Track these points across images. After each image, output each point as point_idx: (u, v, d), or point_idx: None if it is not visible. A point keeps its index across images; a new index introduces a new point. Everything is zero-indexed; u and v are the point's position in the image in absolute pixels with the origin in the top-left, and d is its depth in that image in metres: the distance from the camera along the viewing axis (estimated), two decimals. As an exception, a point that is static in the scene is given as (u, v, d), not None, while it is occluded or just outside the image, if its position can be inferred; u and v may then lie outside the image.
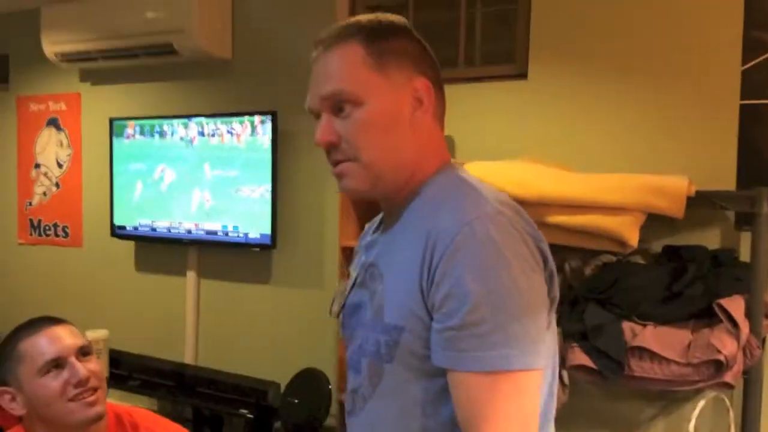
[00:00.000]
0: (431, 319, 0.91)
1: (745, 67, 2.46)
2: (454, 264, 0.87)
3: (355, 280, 1.11)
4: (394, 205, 1.05)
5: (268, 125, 3.30)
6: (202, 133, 3.50)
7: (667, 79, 2.58)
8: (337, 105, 1.00)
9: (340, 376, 3.04)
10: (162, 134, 3.63)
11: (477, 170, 2.46)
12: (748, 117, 2.46)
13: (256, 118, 3.34)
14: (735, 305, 2.11)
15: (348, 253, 3.04)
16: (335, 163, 1.03)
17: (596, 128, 2.70)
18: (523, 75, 2.89)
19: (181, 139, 3.56)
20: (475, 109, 2.96)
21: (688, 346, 2.10)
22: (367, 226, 1.26)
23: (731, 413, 2.34)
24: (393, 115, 1.00)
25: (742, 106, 2.46)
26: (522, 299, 0.87)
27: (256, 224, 3.36)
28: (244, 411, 3.11)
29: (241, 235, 3.40)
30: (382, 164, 1.00)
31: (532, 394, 0.87)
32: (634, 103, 2.64)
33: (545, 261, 0.95)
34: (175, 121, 3.58)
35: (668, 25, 2.58)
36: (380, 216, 1.17)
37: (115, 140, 3.77)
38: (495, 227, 0.88)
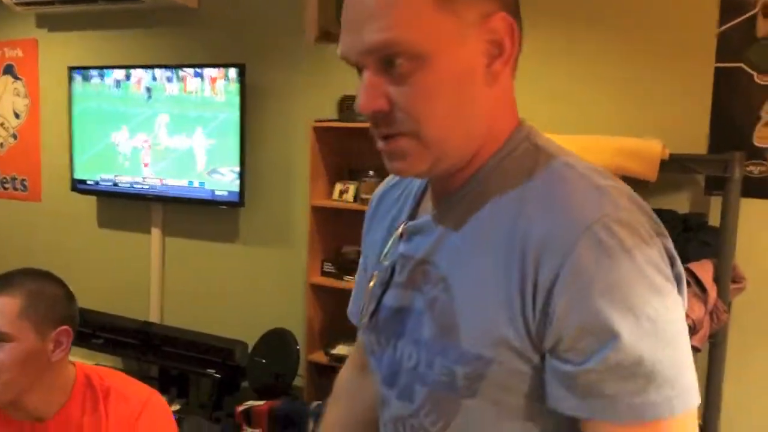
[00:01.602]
0: (538, 352, 0.70)
1: (722, 29, 2.43)
2: (582, 288, 0.66)
3: (390, 275, 0.85)
4: (454, 183, 0.79)
5: (236, 78, 3.19)
6: (165, 85, 3.37)
7: (642, 40, 2.54)
8: (388, 58, 0.71)
9: (309, 337, 3.02)
10: (124, 85, 3.48)
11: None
12: (722, 80, 2.44)
13: (223, 71, 3.22)
14: (703, 269, 2.12)
15: (319, 212, 2.99)
16: (384, 137, 0.75)
17: (571, 91, 2.66)
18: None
19: (145, 90, 3.43)
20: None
21: (656, 309, 2.12)
22: (380, 188, 0.98)
23: (694, 374, 2.38)
24: (466, 72, 0.72)
25: (717, 69, 2.44)
26: (674, 325, 0.68)
27: (224, 181, 3.28)
28: (210, 371, 3.08)
29: (209, 192, 3.32)
30: (451, 141, 0.74)
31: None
32: (609, 65, 2.60)
33: (672, 262, 0.72)
34: (138, 71, 3.44)
35: (648, -16, 2.53)
36: (406, 181, 0.91)
37: (74, 90, 3.62)
38: (625, 233, 0.67)
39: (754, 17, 2.38)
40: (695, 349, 2.07)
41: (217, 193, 3.29)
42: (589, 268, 0.66)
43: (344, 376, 1.09)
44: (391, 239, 0.86)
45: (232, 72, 3.19)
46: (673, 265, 0.71)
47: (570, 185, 0.71)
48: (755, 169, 2.40)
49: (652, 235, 0.69)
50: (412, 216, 0.86)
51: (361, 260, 0.99)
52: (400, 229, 0.85)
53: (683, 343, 0.68)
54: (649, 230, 0.69)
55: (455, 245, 0.77)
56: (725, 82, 2.43)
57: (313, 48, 3.20)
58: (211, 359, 3.13)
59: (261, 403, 2.82)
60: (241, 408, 2.81)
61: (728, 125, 2.43)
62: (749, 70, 2.40)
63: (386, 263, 0.85)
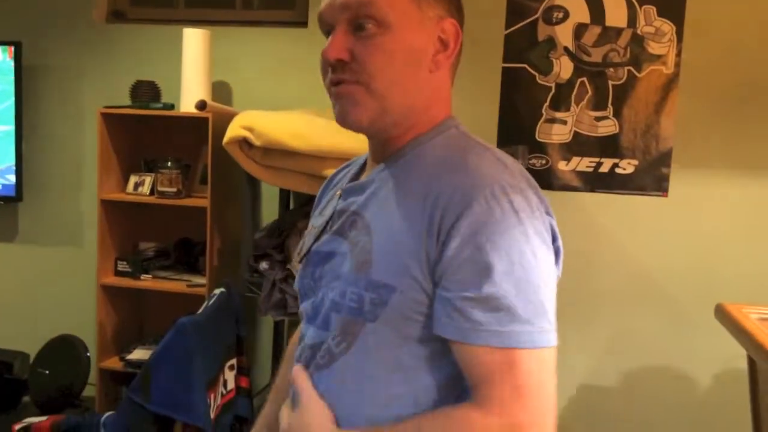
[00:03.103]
0: (433, 284, 0.82)
1: (508, 31, 2.60)
2: (474, 231, 0.79)
3: (325, 226, 0.97)
4: (389, 150, 0.93)
5: (10, 58, 2.83)
6: None
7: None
8: (359, 20, 0.86)
9: (101, 342, 2.77)
10: None
11: (254, 120, 2.34)
12: (508, 79, 2.61)
13: (-6, 49, 2.84)
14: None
15: (111, 207, 2.75)
16: (337, 82, 0.88)
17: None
18: (303, 23, 2.78)
19: None
20: (252, 55, 2.80)
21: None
22: (335, 171, 1.13)
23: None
24: (417, 51, 0.89)
25: (504, 69, 2.61)
26: (542, 276, 0.81)
27: (-4, 173, 2.90)
28: (-19, 388, 2.71)
29: (-22, 185, 2.91)
30: (393, 99, 0.88)
31: (551, 372, 0.81)
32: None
33: (554, 237, 0.88)
34: None
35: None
36: (359, 159, 1.06)
37: None
38: (516, 197, 0.81)
39: (535, 22, 2.57)
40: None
41: (-11, 186, 2.90)
42: (482, 216, 0.80)
43: (292, 340, 1.16)
44: (332, 199, 1.01)
45: (6, 50, 2.83)
46: (554, 239, 0.88)
47: (480, 159, 0.86)
48: (537, 162, 2.60)
49: (542, 211, 0.85)
50: (353, 181, 1.00)
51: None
52: (339, 191, 0.99)
53: (549, 296, 0.82)
54: (539, 206, 0.85)
55: (382, 200, 0.90)
56: (511, 82, 2.61)
57: (103, 28, 2.94)
58: (-18, 375, 2.76)
59: (43, 418, 2.52)
60: (18, 426, 2.50)
61: (515, 121, 2.61)
62: (532, 71, 2.59)
63: (324, 218, 0.99)
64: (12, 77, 2.83)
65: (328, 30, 0.90)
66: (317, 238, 0.98)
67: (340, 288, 0.90)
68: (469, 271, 0.79)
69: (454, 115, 0.97)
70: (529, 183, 0.86)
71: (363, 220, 0.91)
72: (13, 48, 2.83)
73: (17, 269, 3.07)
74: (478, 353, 0.79)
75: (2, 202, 2.96)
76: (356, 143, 2.29)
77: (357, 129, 0.91)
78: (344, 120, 0.90)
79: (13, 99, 2.84)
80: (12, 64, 2.83)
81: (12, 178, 2.88)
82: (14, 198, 2.91)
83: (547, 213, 0.87)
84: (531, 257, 0.80)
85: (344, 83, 0.88)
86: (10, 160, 2.87)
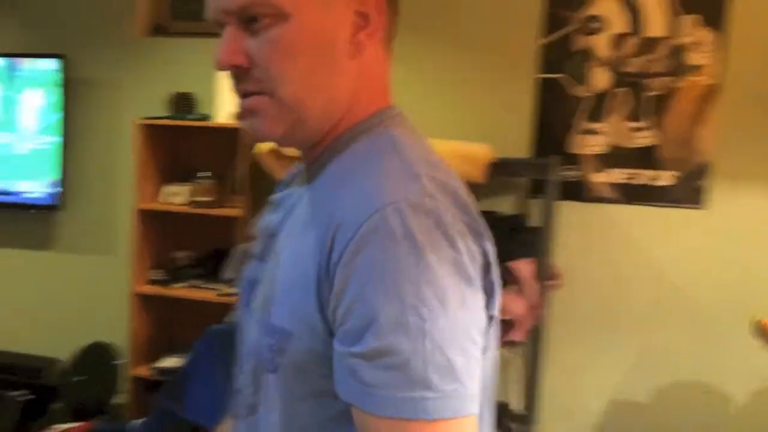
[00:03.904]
0: (330, 333, 0.67)
1: (543, 41, 2.58)
2: (356, 267, 0.63)
3: (258, 247, 0.83)
4: (314, 158, 0.77)
5: (56, 70, 2.90)
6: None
7: (471, 49, 2.63)
8: (250, 13, 0.70)
9: (134, 350, 2.80)
10: None
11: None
12: (543, 90, 2.58)
13: (42, 62, 2.93)
14: (524, 268, 2.21)
15: (146, 216, 2.79)
16: (243, 94, 0.74)
17: (404, 97, 2.69)
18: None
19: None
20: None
21: (482, 307, 2.17)
22: (290, 172, 0.94)
23: (515, 369, 2.48)
24: (327, 35, 0.71)
25: (538, 80, 2.59)
26: (448, 321, 0.62)
27: (37, 182, 2.97)
28: (13, 393, 2.74)
29: (18, 194, 2.99)
30: (306, 103, 0.72)
31: None
32: (440, 72, 2.67)
33: (486, 265, 0.68)
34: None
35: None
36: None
37: None
38: (416, 218, 0.63)
39: (572, 32, 2.55)
40: (515, 344, 2.15)
41: (30, 195, 2.97)
42: (366, 246, 0.63)
43: None
44: (268, 212, 0.85)
45: (52, 62, 2.91)
46: (487, 272, 0.68)
47: (385, 170, 0.68)
48: (570, 174, 2.56)
49: (464, 234, 0.66)
50: (284, 189, 0.85)
51: None
52: (271, 202, 0.84)
53: (457, 349, 0.63)
54: (462, 228, 0.66)
55: (294, 220, 0.76)
56: (546, 92, 2.58)
57: (143, 42, 3.00)
58: (17, 380, 2.80)
59: (74, 425, 2.55)
60: (49, 432, 2.52)
61: (548, 132, 2.58)
62: (567, 81, 2.56)
63: (256, 237, 0.85)
64: (58, 90, 2.91)
65: (219, 26, 0.75)
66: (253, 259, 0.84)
67: (248, 328, 0.78)
68: (354, 320, 0.63)
69: (393, 108, 0.80)
70: (455, 198, 0.68)
71: (277, 245, 0.77)
72: (59, 60, 2.91)
73: (54, 276, 3.13)
74: (366, 421, 0.64)
75: (43, 211, 3.02)
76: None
77: (274, 142, 0.76)
78: (256, 137, 0.75)
79: (59, 110, 2.91)
80: (58, 76, 2.91)
81: (52, 187, 2.94)
82: (54, 207, 2.97)
83: (478, 238, 0.68)
84: (433, 299, 0.61)
85: (250, 95, 0.73)
86: (56, 171, 2.94)
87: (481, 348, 0.67)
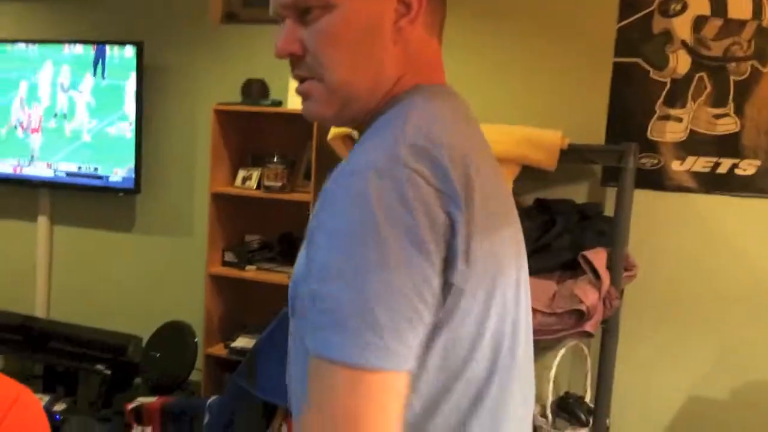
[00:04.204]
0: None
1: (621, 24, 2.50)
2: (319, 220, 0.70)
3: None
4: (361, 133, 0.85)
5: (133, 57, 3.01)
6: (58, 62, 3.14)
7: (544, 33, 2.58)
8: (303, 5, 0.79)
9: (208, 329, 2.90)
10: (10, 60, 3.22)
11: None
12: (620, 74, 2.51)
13: (120, 49, 3.03)
14: (598, 257, 2.17)
15: (220, 200, 2.87)
16: (300, 80, 0.83)
17: (474, 81, 2.67)
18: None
19: (35, 68, 3.18)
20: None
21: (553, 296, 2.15)
22: None
23: (589, 361, 2.44)
24: (370, 23, 0.78)
25: (615, 64, 2.51)
26: (383, 277, 0.65)
27: (118, 166, 3.09)
28: (100, 367, 2.89)
29: (102, 177, 3.12)
30: (352, 87, 0.79)
31: (374, 403, 0.66)
32: (511, 57, 2.63)
33: (453, 234, 0.69)
34: (29, 47, 3.19)
35: (551, -22, 2.57)
36: None
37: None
38: (376, 182, 0.67)
39: (650, 14, 2.46)
40: (588, 335, 2.11)
41: (112, 179, 3.10)
42: (326, 206, 0.70)
43: None
44: None
45: (130, 49, 3.01)
46: (453, 235, 0.69)
47: (378, 139, 0.74)
48: (648, 162, 2.49)
49: (429, 199, 0.68)
50: None
51: None
52: None
53: (386, 306, 0.65)
54: (429, 193, 0.68)
55: None
56: (623, 77, 2.51)
57: (216, 30, 3.07)
58: (101, 355, 2.94)
59: (153, 399, 2.66)
60: (131, 406, 2.65)
61: (625, 118, 2.51)
62: (646, 65, 2.48)
63: None
64: (135, 76, 3.01)
65: (281, 20, 0.83)
66: None
67: None
68: (312, 264, 0.70)
69: (436, 83, 0.84)
70: (433, 164, 0.69)
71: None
72: (135, 47, 3.01)
73: (134, 258, 3.26)
74: (307, 355, 0.70)
75: (122, 194, 3.15)
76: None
77: (325, 123, 0.86)
78: (309, 118, 0.84)
79: (135, 96, 3.02)
80: (136, 63, 3.01)
81: (132, 171, 3.06)
82: (133, 190, 3.10)
83: (447, 203, 0.69)
84: (372, 255, 0.65)
85: (305, 81, 0.82)
86: (131, 156, 3.05)
87: (425, 314, 0.68)
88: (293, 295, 0.79)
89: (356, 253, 0.66)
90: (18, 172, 3.26)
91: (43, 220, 3.38)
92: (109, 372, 2.89)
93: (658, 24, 2.46)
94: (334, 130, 2.42)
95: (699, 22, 2.42)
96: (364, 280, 0.65)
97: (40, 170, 3.22)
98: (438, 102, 0.80)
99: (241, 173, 2.90)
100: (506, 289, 0.78)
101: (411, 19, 0.79)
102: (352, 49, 0.78)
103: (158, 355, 2.90)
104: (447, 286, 0.70)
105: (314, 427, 0.67)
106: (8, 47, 3.21)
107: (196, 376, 2.92)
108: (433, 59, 0.84)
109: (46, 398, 2.89)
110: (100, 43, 3.07)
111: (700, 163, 2.44)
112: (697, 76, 2.42)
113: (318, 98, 0.81)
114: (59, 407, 2.87)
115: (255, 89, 2.83)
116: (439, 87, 0.83)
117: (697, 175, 2.45)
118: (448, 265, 0.69)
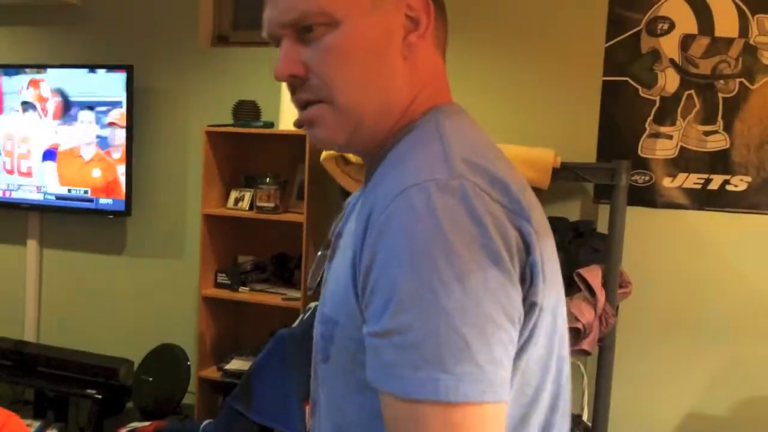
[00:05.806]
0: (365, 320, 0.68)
1: (609, 44, 2.53)
2: (380, 247, 0.63)
3: (329, 251, 0.87)
4: (373, 160, 0.78)
5: (122, 80, 3.01)
6: (45, 86, 3.13)
7: (535, 53, 2.60)
8: (304, 23, 0.73)
9: (201, 352, 2.87)
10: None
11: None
12: (609, 93, 2.53)
13: (109, 73, 3.03)
14: (593, 275, 2.18)
15: (212, 221, 2.86)
16: (302, 105, 0.75)
17: (467, 101, 2.68)
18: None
19: (23, 90, 3.17)
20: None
21: (549, 314, 2.15)
22: None
23: (585, 379, 2.44)
24: (378, 39, 0.73)
25: (604, 83, 2.54)
26: (466, 301, 0.60)
27: (108, 189, 3.08)
28: (91, 391, 2.85)
29: (92, 200, 3.10)
30: (364, 108, 0.73)
31: None
32: (503, 77, 2.65)
33: (528, 251, 0.65)
34: (18, 71, 3.18)
35: (538, 2, 2.60)
36: None
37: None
38: (440, 197, 0.62)
39: (638, 34, 2.49)
40: (585, 353, 2.11)
41: (102, 202, 3.08)
42: (390, 227, 0.63)
43: None
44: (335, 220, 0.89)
45: (119, 73, 3.01)
46: (529, 252, 0.65)
47: (422, 156, 0.68)
48: (640, 179, 2.50)
49: (497, 214, 0.63)
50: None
51: None
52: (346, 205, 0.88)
53: (476, 331, 0.60)
54: (495, 208, 0.64)
55: (352, 218, 0.79)
56: (612, 96, 2.53)
57: (207, 52, 3.08)
58: (93, 380, 2.90)
59: (146, 424, 2.63)
60: (123, 430, 2.61)
61: (615, 136, 2.53)
62: (635, 84, 2.50)
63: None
64: (125, 100, 3.01)
65: (276, 42, 0.77)
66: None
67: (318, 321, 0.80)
68: (376, 299, 0.63)
69: (449, 104, 0.80)
70: (492, 179, 0.66)
71: (338, 242, 0.81)
72: (125, 71, 3.01)
73: (125, 280, 3.24)
74: (386, 402, 0.63)
75: (113, 216, 3.13)
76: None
77: (338, 150, 0.80)
78: (319, 145, 0.78)
79: (125, 120, 3.01)
80: (126, 86, 3.01)
81: (122, 194, 3.04)
82: (124, 213, 3.08)
83: (515, 218, 0.65)
84: (450, 278, 0.60)
85: (309, 105, 0.75)
86: (121, 179, 3.04)
87: (513, 334, 0.64)
88: (328, 338, 0.73)
89: (431, 274, 0.60)
90: (7, 195, 3.23)
91: (32, 244, 3.35)
92: (100, 396, 2.85)
93: (646, 43, 2.49)
94: (327, 151, 2.42)
95: (686, 41, 2.45)
96: (448, 306, 0.59)
97: (29, 193, 3.20)
98: (464, 120, 0.77)
99: (234, 194, 2.89)
100: (563, 308, 0.75)
101: (420, 34, 0.75)
102: (362, 67, 0.72)
103: (150, 378, 2.86)
104: (527, 305, 0.65)
105: None
106: (-2, 70, 3.20)
107: (189, 399, 2.88)
108: (442, 77, 0.81)
109: (36, 424, 2.84)
110: (91, 67, 3.07)
111: (692, 180, 2.46)
112: (686, 93, 2.45)
113: (328, 123, 0.74)
114: (49, 434, 2.82)
115: (246, 110, 2.83)
116: (456, 106, 0.80)
117: (688, 192, 2.47)
118: (525, 283, 0.65)
